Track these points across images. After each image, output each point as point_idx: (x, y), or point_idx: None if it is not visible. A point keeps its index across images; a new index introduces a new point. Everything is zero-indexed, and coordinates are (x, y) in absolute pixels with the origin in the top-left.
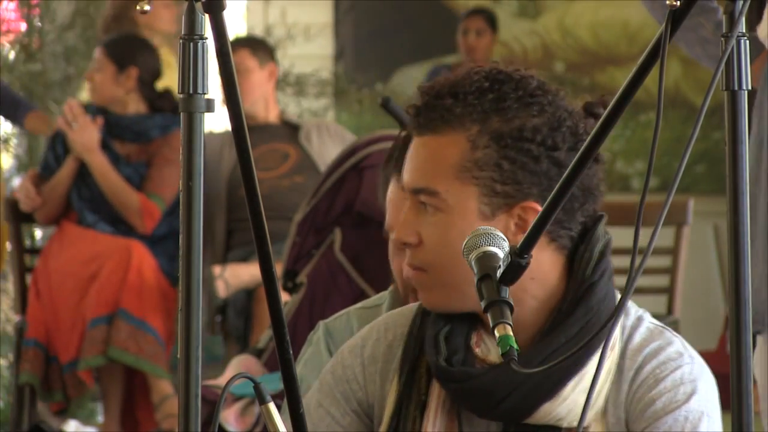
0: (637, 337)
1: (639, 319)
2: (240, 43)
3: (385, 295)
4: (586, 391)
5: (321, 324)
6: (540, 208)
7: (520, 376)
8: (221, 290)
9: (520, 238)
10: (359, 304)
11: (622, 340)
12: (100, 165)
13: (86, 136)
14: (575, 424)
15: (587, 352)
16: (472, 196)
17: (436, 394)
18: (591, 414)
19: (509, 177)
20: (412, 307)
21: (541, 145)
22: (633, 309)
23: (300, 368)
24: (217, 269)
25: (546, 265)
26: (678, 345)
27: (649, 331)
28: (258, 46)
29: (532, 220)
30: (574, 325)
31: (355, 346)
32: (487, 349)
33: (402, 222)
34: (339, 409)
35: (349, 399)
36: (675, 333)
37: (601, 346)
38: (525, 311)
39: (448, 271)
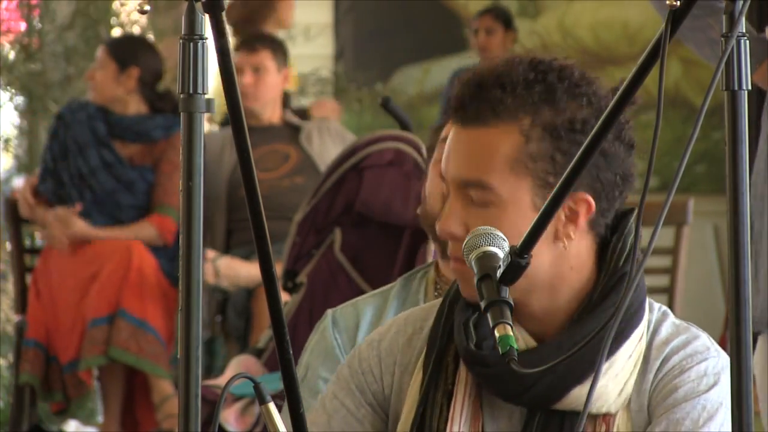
0: (663, 331)
1: (664, 314)
2: (264, 42)
3: (394, 283)
4: (616, 377)
5: (329, 312)
6: (590, 199)
7: (551, 360)
8: (209, 275)
9: (571, 229)
10: (367, 294)
11: (648, 334)
12: (103, 233)
13: (76, 230)
14: (603, 410)
15: (617, 341)
16: (526, 188)
17: (462, 382)
18: (619, 401)
19: (562, 168)
20: (435, 303)
21: (579, 144)
22: (656, 305)
23: (306, 356)
24: (210, 253)
25: (584, 254)
26: (705, 339)
27: (674, 326)
28: (279, 49)
29: (582, 210)
30: (605, 312)
31: (372, 340)
32: (516, 336)
33: (448, 213)
34: (354, 401)
35: (364, 391)
36: (700, 329)
37: (611, 334)
38: (560, 300)
39: None
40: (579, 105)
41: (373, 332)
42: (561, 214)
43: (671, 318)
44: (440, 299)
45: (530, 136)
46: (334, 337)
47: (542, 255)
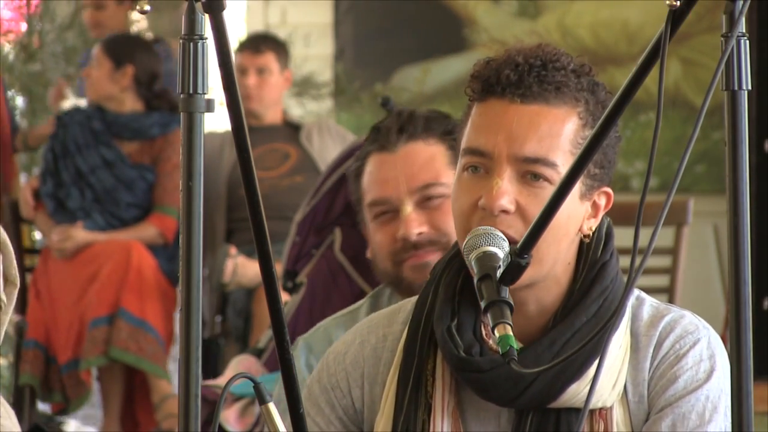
0: (645, 314)
1: (638, 299)
2: (268, 44)
3: (363, 302)
4: (609, 370)
5: (299, 340)
6: (611, 192)
7: (546, 360)
8: (228, 271)
9: (593, 223)
10: (335, 315)
11: (628, 321)
12: (105, 237)
13: (77, 241)
14: (599, 405)
15: (608, 333)
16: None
17: (440, 396)
18: (614, 394)
19: (602, 160)
20: (397, 307)
21: (617, 132)
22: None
23: (278, 389)
24: (232, 249)
25: (574, 247)
26: (690, 316)
27: (653, 308)
28: (282, 51)
29: (603, 203)
30: (592, 305)
31: (338, 352)
32: None
33: (501, 189)
34: (324, 419)
35: (334, 406)
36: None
37: (614, 328)
38: (553, 296)
39: (538, 244)
40: (607, 99)
41: (338, 342)
42: (588, 206)
43: (648, 301)
44: (403, 302)
45: (586, 121)
46: (308, 365)
47: (560, 249)
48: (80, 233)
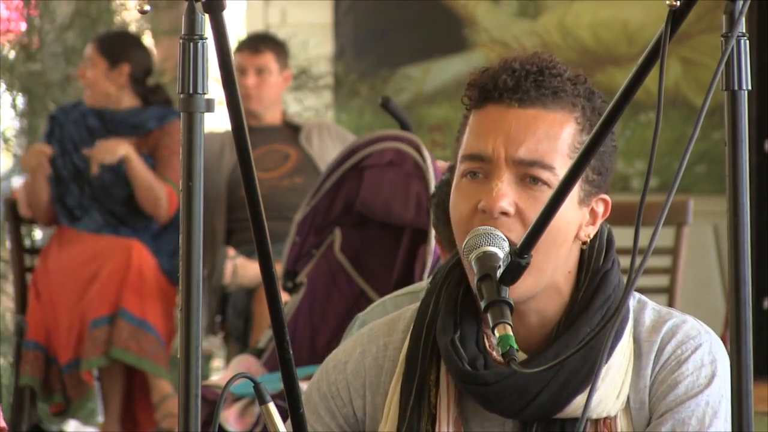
0: (647, 319)
1: (640, 302)
2: (267, 44)
3: (422, 285)
4: (613, 382)
5: (358, 317)
6: (608, 199)
7: (551, 372)
8: (228, 273)
9: (591, 230)
10: (396, 293)
11: (630, 327)
12: (137, 161)
13: (116, 150)
14: (603, 414)
15: (612, 342)
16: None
17: (444, 406)
18: (618, 403)
19: (600, 166)
20: (396, 315)
21: (614, 141)
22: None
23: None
24: (231, 251)
25: (575, 256)
26: (692, 321)
27: (656, 312)
28: (281, 51)
29: (601, 210)
30: (595, 315)
31: (338, 361)
32: None
33: (501, 191)
34: (323, 426)
35: (334, 415)
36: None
37: (615, 328)
38: (555, 306)
39: (535, 249)
40: (603, 107)
41: (338, 350)
42: (586, 213)
43: (650, 304)
44: (402, 311)
45: (583, 127)
46: None
47: (560, 256)
48: (121, 149)
